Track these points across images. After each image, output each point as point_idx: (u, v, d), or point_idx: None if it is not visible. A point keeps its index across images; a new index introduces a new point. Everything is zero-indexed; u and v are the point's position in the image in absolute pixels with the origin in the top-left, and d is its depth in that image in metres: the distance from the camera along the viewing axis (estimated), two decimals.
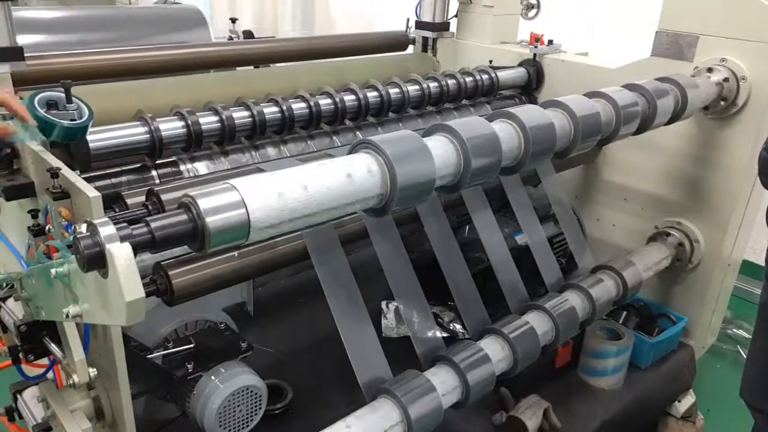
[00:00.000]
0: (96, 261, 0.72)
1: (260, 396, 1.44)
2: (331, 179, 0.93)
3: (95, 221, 0.74)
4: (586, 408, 1.88)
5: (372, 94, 1.89)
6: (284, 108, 1.67)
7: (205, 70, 2.23)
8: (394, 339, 2.15)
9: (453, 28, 2.70)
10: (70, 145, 1.37)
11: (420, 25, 2.67)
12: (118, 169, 1.45)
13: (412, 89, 2.04)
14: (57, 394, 1.28)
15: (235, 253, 1.32)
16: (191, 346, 1.47)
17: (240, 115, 1.58)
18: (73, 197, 1.09)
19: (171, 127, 1.48)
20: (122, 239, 0.73)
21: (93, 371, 1.15)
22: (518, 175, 1.86)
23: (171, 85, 1.86)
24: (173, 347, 1.46)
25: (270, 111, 1.65)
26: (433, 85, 2.05)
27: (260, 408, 1.45)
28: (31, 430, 1.36)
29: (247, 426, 1.45)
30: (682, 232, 2.11)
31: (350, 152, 1.03)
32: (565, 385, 1.98)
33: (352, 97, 1.83)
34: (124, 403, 1.23)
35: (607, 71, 2.23)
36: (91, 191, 1.03)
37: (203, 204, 0.80)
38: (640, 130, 1.67)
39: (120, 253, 0.71)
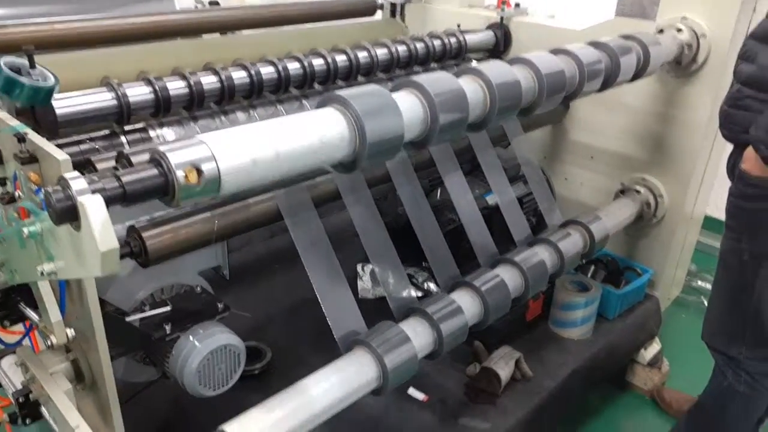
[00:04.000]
0: (68, 214, 0.73)
1: (238, 354, 1.47)
2: (300, 132, 0.95)
3: (66, 176, 0.75)
4: (556, 357, 1.96)
5: (340, 58, 1.89)
6: (252, 72, 1.67)
7: (171, 38, 2.21)
8: (370, 300, 2.20)
9: None
10: (36, 111, 1.37)
11: None
12: (87, 136, 1.45)
13: (381, 52, 2.04)
14: (35, 358, 1.30)
15: (209, 213, 1.34)
16: (168, 308, 1.49)
17: (208, 80, 1.58)
18: (42, 161, 1.09)
19: (138, 92, 1.47)
20: (93, 192, 0.75)
21: (71, 332, 1.17)
22: (487, 135, 1.91)
23: (138, 52, 1.83)
24: (150, 310, 1.48)
25: (238, 76, 1.65)
26: (401, 48, 2.06)
27: (239, 366, 1.48)
28: (11, 397, 1.38)
29: (227, 383, 1.48)
30: (646, 188, 2.17)
31: (318, 107, 1.05)
32: (537, 336, 2.05)
33: (321, 61, 1.84)
34: (104, 364, 1.25)
35: (573, 32, 2.25)
36: (60, 154, 1.03)
37: (173, 158, 0.82)
38: (604, 87, 1.70)
39: (92, 204, 0.72)
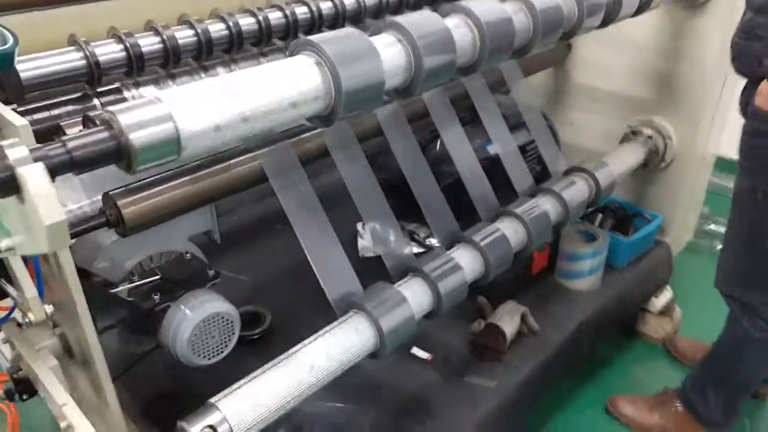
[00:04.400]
0: (6, 185, 0.66)
1: (232, 322, 1.43)
2: (267, 82, 0.86)
3: (3, 143, 0.68)
4: (564, 310, 1.90)
5: (326, 5, 1.78)
6: (231, 24, 1.57)
7: None
8: (372, 258, 2.15)
9: None
10: (0, 76, 1.29)
11: None
12: (57, 100, 1.37)
13: None
14: (21, 335, 1.26)
15: (189, 177, 1.27)
16: (157, 277, 1.44)
17: (183, 35, 1.48)
18: (4, 130, 1.02)
19: (108, 51, 1.37)
20: (36, 160, 0.68)
21: (49, 308, 1.12)
22: (483, 81, 1.81)
23: (109, 8, 1.73)
24: (138, 280, 1.43)
25: (216, 28, 1.55)
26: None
27: (233, 334, 1.44)
28: (7, 373, 1.34)
29: (223, 351, 1.44)
30: (654, 130, 2.07)
31: (289, 55, 0.97)
32: (543, 290, 1.99)
33: (304, 9, 1.73)
34: (89, 339, 1.20)
35: None
36: (18, 120, 0.96)
37: (125, 119, 0.74)
38: (605, 23, 1.59)
39: (32, 175, 0.65)
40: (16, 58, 1.24)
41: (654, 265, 2.15)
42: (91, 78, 1.38)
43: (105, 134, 0.75)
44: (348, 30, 1.00)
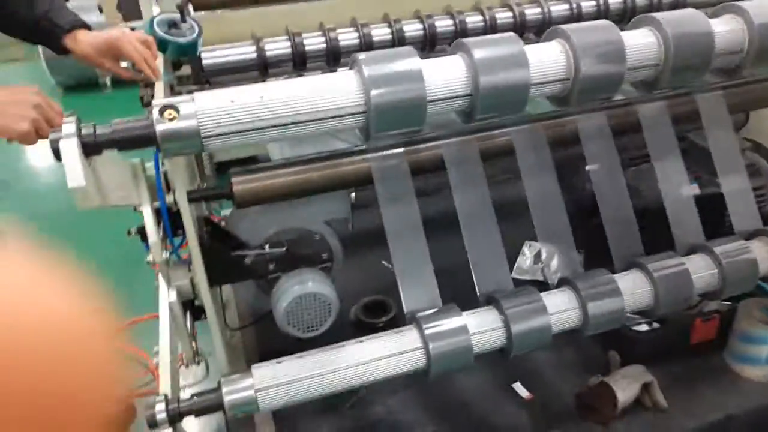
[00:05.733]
0: (54, 154, 0.86)
1: (329, 304, 1.54)
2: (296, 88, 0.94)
3: (63, 121, 0.89)
4: (715, 395, 1.59)
5: (505, 15, 1.74)
6: (426, 24, 1.64)
7: None
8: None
9: None
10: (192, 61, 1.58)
11: None
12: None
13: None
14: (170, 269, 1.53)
15: (305, 166, 1.41)
16: (283, 249, 1.62)
17: (345, 37, 1.60)
18: None
19: (276, 47, 1.59)
20: (78, 136, 0.87)
21: (165, 254, 1.36)
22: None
23: (317, 7, 1.95)
24: (269, 248, 1.63)
25: (380, 33, 1.65)
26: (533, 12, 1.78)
27: (329, 314, 1.55)
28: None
29: (318, 328, 1.56)
30: None
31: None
32: (701, 366, 1.68)
33: (479, 17, 1.72)
34: (202, 289, 1.43)
35: None
36: None
37: (156, 111, 0.89)
38: None
39: (65, 147, 0.84)
40: (200, 48, 1.52)
41: None
42: (263, 68, 1.61)
43: (144, 122, 0.91)
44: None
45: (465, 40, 1.03)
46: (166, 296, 1.44)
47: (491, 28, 1.68)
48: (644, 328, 1.69)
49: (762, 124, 1.98)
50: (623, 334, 1.66)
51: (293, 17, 1.85)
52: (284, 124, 0.93)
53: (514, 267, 2.13)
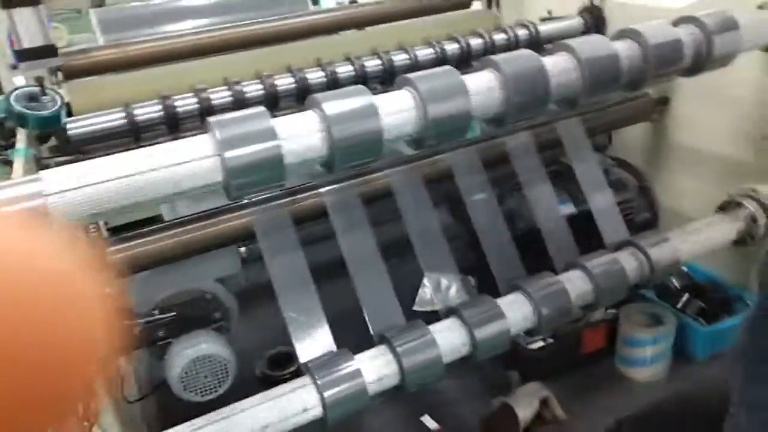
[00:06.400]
0: None
1: (224, 363, 1.51)
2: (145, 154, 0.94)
3: None
4: (607, 400, 1.68)
5: (422, 53, 1.83)
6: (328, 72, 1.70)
7: (280, 42, 2.24)
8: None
9: None
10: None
11: None
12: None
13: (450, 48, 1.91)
14: None
15: (178, 229, 1.40)
16: (173, 314, 1.59)
17: (188, 102, 1.61)
18: None
19: (149, 111, 1.58)
20: None
21: None
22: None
23: (194, 68, 1.95)
24: (159, 314, 1.59)
25: (314, 76, 1.69)
26: (451, 47, 1.90)
27: (227, 375, 1.53)
28: None
29: (217, 390, 1.53)
30: (756, 201, 1.74)
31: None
32: (594, 374, 1.77)
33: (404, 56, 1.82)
34: None
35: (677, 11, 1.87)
36: None
37: None
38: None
39: None
40: (63, 119, 1.48)
41: None
42: (136, 134, 1.59)
43: None
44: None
45: (316, 96, 1.07)
46: None
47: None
48: (539, 344, 1.76)
49: (623, 143, 2.15)
50: (520, 353, 1.72)
51: (168, 80, 1.85)
52: (138, 187, 0.92)
53: (416, 300, 2.18)
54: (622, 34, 1.40)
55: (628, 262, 1.55)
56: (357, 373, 1.25)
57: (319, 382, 1.24)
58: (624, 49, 1.33)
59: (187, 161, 0.96)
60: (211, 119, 0.99)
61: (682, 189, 2.03)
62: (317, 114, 1.06)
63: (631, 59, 1.32)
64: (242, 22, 2.21)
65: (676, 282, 1.88)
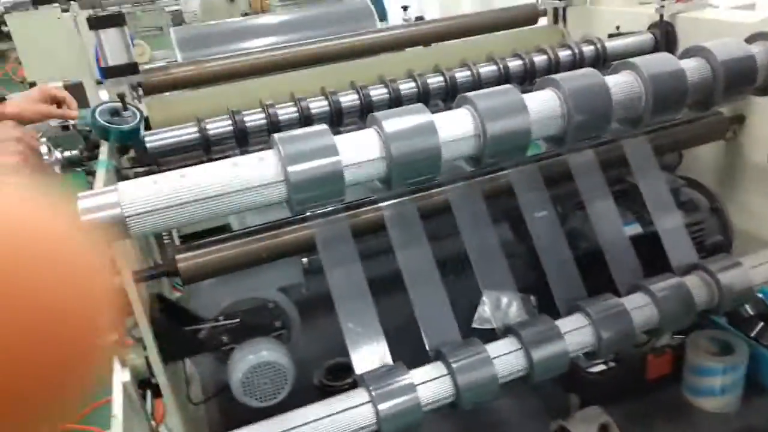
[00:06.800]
0: None
1: (283, 371, 1.55)
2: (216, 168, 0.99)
3: None
4: (671, 429, 1.61)
5: (485, 69, 1.85)
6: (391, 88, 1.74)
7: (347, 59, 2.31)
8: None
9: None
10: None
11: None
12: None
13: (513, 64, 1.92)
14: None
15: (243, 240, 1.45)
16: (237, 321, 1.65)
17: (257, 117, 1.67)
18: None
19: (219, 125, 1.65)
20: None
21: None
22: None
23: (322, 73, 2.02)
24: (223, 320, 1.65)
25: (377, 93, 1.73)
26: (514, 64, 1.90)
27: (286, 382, 1.56)
28: None
29: (276, 397, 1.57)
30: None
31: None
32: (660, 401, 1.71)
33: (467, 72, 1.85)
34: (156, 367, 1.44)
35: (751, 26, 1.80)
36: None
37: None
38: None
39: None
40: (142, 132, 1.57)
41: None
42: (207, 147, 1.67)
43: None
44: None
45: (376, 114, 1.10)
46: (120, 377, 1.45)
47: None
48: (600, 368, 1.72)
49: (695, 161, 2.07)
50: (580, 376, 1.68)
51: (238, 96, 1.94)
52: (205, 199, 0.97)
53: (475, 317, 2.17)
54: (691, 52, 1.36)
55: (696, 286, 1.50)
56: (411, 387, 1.26)
57: (373, 394, 1.25)
58: (692, 67, 1.29)
59: (253, 176, 1.00)
60: (276, 136, 1.03)
61: (758, 211, 1.94)
62: (376, 132, 1.08)
63: (699, 77, 1.28)
64: (310, 40, 2.28)
65: (750, 309, 1.79)
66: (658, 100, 1.26)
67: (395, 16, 4.23)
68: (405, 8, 3.99)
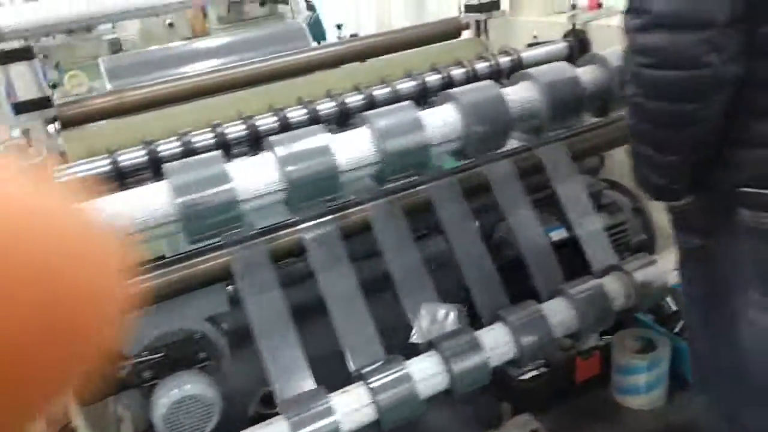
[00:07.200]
0: None
1: (208, 404, 1.52)
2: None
3: None
4: (601, 430, 1.63)
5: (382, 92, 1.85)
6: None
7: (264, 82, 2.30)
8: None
9: (506, 5, 2.48)
10: None
11: (469, 8, 2.50)
12: None
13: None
14: None
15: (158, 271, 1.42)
16: (161, 355, 1.61)
17: (172, 146, 1.65)
18: None
19: (133, 156, 1.62)
20: None
21: None
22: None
23: (183, 111, 2.01)
24: (147, 355, 1.61)
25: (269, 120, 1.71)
26: (432, 78, 1.92)
27: (211, 415, 1.53)
28: None
29: (202, 431, 1.53)
30: None
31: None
32: (588, 404, 1.74)
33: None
34: (72, 410, 1.40)
35: None
36: None
37: None
38: None
39: None
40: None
41: None
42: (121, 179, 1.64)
43: None
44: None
45: (271, 138, 1.10)
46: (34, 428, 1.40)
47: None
48: (531, 374, 1.73)
49: (616, 164, 2.13)
50: (511, 384, 1.70)
51: (158, 124, 1.91)
52: None
53: (413, 331, 2.16)
54: (589, 60, 1.40)
55: (613, 287, 1.52)
56: (328, 411, 1.25)
57: (293, 419, 1.24)
58: (587, 74, 1.33)
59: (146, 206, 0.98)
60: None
61: None
62: (274, 156, 1.08)
63: (595, 84, 1.32)
64: (234, 64, 2.27)
65: (672, 305, 1.84)
66: (556, 107, 1.29)
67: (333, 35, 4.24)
68: (339, 26, 4.01)
